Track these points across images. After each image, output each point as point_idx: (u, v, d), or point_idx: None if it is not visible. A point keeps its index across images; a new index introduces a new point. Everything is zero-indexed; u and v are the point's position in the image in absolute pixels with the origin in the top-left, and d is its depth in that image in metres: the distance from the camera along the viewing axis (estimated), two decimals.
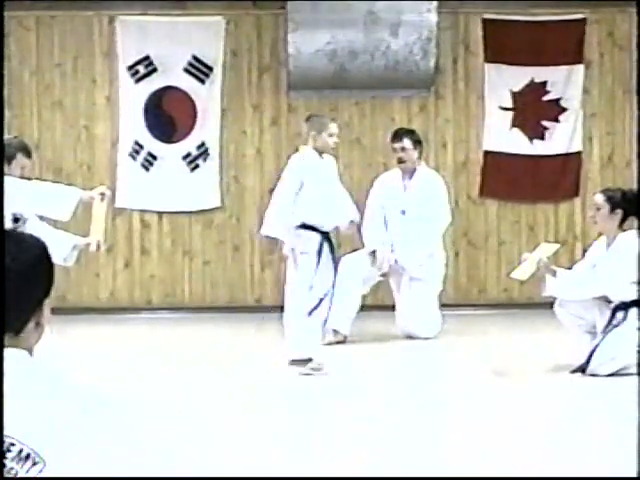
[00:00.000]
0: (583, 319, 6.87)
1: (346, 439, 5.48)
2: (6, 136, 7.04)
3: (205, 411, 6.12)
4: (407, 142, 8.51)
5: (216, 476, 4.67)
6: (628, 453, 4.71)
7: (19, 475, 1.77)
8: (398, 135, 8.60)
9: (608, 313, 6.78)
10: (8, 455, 1.78)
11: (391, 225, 8.54)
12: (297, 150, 7.41)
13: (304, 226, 7.09)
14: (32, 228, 6.29)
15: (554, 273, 6.79)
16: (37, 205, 6.09)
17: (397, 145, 8.55)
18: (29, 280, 1.87)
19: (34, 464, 1.80)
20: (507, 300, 10.02)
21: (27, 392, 1.84)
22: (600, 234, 7.13)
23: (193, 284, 10.05)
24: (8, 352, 1.83)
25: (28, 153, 6.38)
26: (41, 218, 6.41)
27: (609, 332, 6.73)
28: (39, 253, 1.91)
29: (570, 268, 7.26)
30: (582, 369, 6.75)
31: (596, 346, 6.73)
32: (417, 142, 8.59)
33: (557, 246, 7.44)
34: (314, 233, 7.10)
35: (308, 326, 7.00)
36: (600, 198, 6.92)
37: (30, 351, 1.90)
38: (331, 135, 7.15)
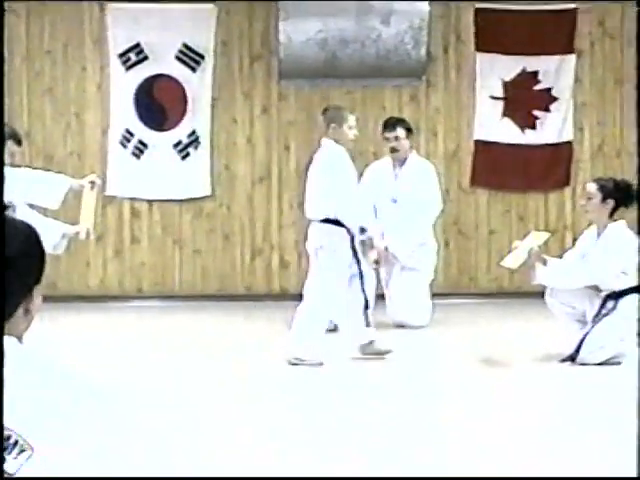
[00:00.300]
0: (573, 308, 6.89)
1: (337, 428, 5.48)
2: None
3: (195, 399, 6.13)
4: (400, 131, 8.51)
5: (214, 476, 4.67)
6: (622, 445, 4.74)
7: (7, 461, 1.77)
8: (391, 124, 8.60)
9: (598, 302, 6.80)
10: None
11: (382, 213, 8.55)
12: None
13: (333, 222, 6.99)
14: (21, 216, 6.27)
15: (544, 262, 6.80)
16: (27, 193, 6.08)
17: (390, 134, 8.55)
18: (19, 266, 1.86)
19: (22, 451, 1.80)
20: (497, 289, 10.04)
21: (15, 379, 1.83)
22: (590, 223, 7.14)
23: (183, 272, 10.04)
24: None
25: (18, 141, 6.36)
26: (30, 206, 6.39)
27: (599, 321, 6.75)
28: (30, 239, 1.90)
29: (560, 257, 7.27)
30: (572, 358, 6.78)
31: (585, 335, 6.76)
32: (409, 130, 8.63)
33: (547, 235, 7.45)
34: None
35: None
36: (592, 187, 6.93)
37: (19, 338, 1.90)
38: (350, 128, 7.13)
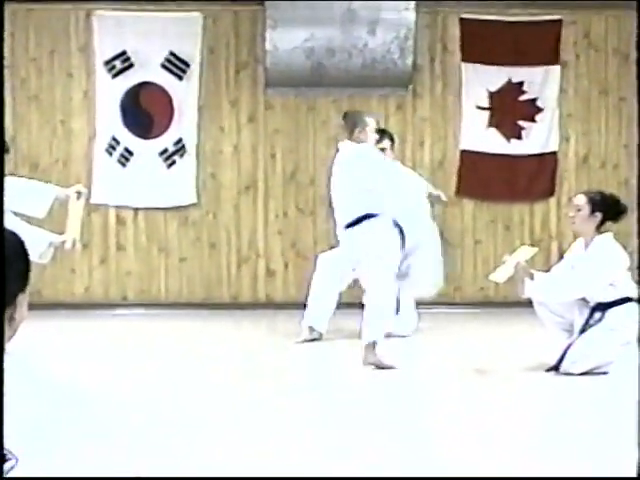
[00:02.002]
0: (563, 317, 6.90)
1: (326, 437, 5.48)
2: None
3: (180, 407, 6.11)
4: (386, 142, 8.51)
5: (213, 476, 4.66)
6: (608, 453, 4.74)
7: None
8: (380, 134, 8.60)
9: (586, 312, 6.82)
10: None
11: None
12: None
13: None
14: (8, 224, 6.24)
15: (532, 276, 6.81)
16: (13, 201, 6.06)
17: (378, 146, 8.55)
18: (4, 273, 1.86)
19: (5, 460, 1.79)
20: (483, 299, 10.06)
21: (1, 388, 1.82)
22: (576, 237, 7.15)
23: (169, 281, 10.02)
24: None
25: (6, 149, 6.34)
26: (15, 214, 6.37)
27: (584, 331, 6.77)
28: (15, 247, 1.90)
29: (547, 270, 7.29)
30: (556, 367, 6.79)
31: (570, 345, 6.77)
32: (393, 140, 8.62)
33: (535, 250, 7.46)
34: None
35: None
36: (582, 199, 6.94)
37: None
38: (372, 131, 7.19)
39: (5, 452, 1.77)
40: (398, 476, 4.69)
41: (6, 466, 1.77)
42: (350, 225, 7.07)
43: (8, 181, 6.14)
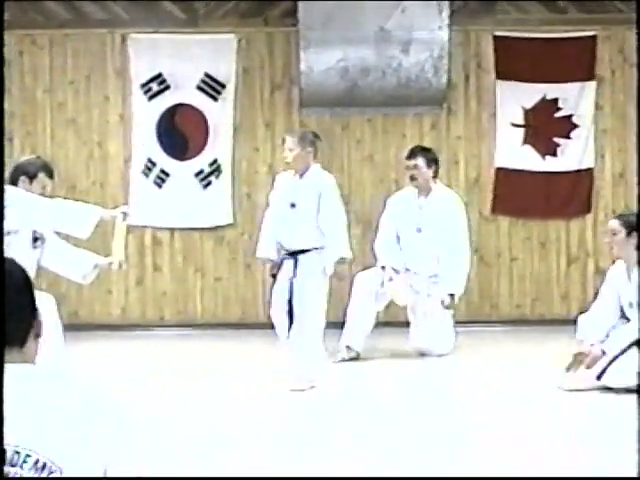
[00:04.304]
0: (607, 336, 6.83)
1: (355, 456, 5.47)
2: (27, 157, 7.12)
3: (215, 426, 6.12)
4: (420, 160, 8.50)
5: (217, 476, 4.68)
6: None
7: None
8: (413, 153, 8.59)
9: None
10: (24, 466, 1.81)
11: (406, 243, 8.53)
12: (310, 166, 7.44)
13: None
14: (52, 246, 6.32)
15: (596, 359, 6.65)
16: (58, 222, 6.12)
17: (410, 162, 8.54)
18: (18, 297, 1.94)
19: (51, 472, 1.83)
20: (519, 316, 10.01)
21: (37, 403, 1.86)
22: (614, 260, 7.07)
23: (205, 301, 10.06)
24: (17, 366, 1.88)
25: (50, 173, 6.46)
26: (58, 235, 6.43)
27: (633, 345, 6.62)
28: (20, 272, 1.99)
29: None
30: (598, 377, 6.69)
31: (615, 357, 6.64)
32: (432, 161, 8.56)
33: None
34: None
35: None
36: (615, 223, 6.88)
37: (33, 361, 1.98)
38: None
39: (49, 465, 1.82)
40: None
41: (51, 476, 1.82)
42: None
43: (52, 202, 6.23)
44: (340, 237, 7.29)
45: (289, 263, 7.20)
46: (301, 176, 7.33)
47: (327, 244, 7.20)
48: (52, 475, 1.83)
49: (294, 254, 7.20)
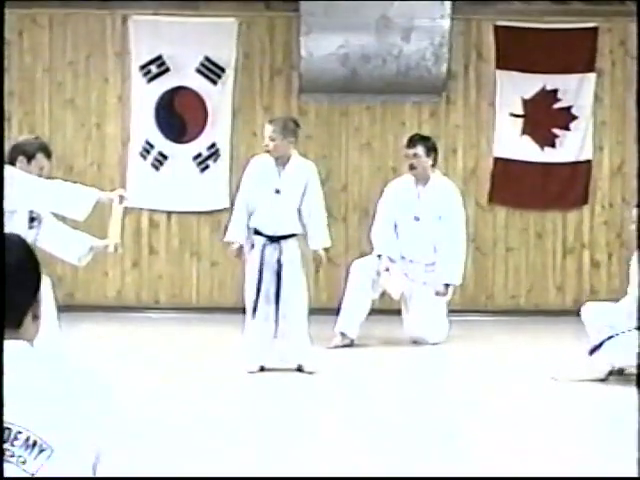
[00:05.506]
0: (613, 328, 6.82)
1: (348, 442, 5.48)
2: (26, 136, 7.09)
3: (207, 408, 6.13)
4: (420, 149, 8.49)
5: (215, 476, 4.68)
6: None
7: (27, 462, 1.80)
8: (412, 141, 8.58)
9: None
10: (16, 443, 1.81)
11: (403, 231, 8.53)
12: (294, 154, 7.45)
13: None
14: (48, 227, 6.31)
15: None
16: (55, 204, 6.10)
17: (410, 151, 8.53)
18: (20, 276, 1.92)
19: (41, 451, 1.83)
20: (514, 307, 10.02)
21: (31, 381, 1.87)
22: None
23: (201, 284, 10.07)
24: (11, 344, 1.88)
25: (48, 154, 6.43)
26: (55, 217, 6.42)
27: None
28: (26, 250, 1.96)
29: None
30: (592, 350, 6.69)
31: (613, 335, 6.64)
32: (431, 149, 8.55)
33: None
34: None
35: None
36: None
37: (31, 342, 1.96)
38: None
39: (40, 443, 1.82)
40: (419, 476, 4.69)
41: (42, 456, 1.82)
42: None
43: (50, 183, 6.22)
44: (324, 226, 7.32)
45: (270, 248, 7.19)
46: (284, 165, 7.30)
47: (311, 233, 7.21)
48: (43, 453, 1.84)
49: (276, 239, 7.19)
